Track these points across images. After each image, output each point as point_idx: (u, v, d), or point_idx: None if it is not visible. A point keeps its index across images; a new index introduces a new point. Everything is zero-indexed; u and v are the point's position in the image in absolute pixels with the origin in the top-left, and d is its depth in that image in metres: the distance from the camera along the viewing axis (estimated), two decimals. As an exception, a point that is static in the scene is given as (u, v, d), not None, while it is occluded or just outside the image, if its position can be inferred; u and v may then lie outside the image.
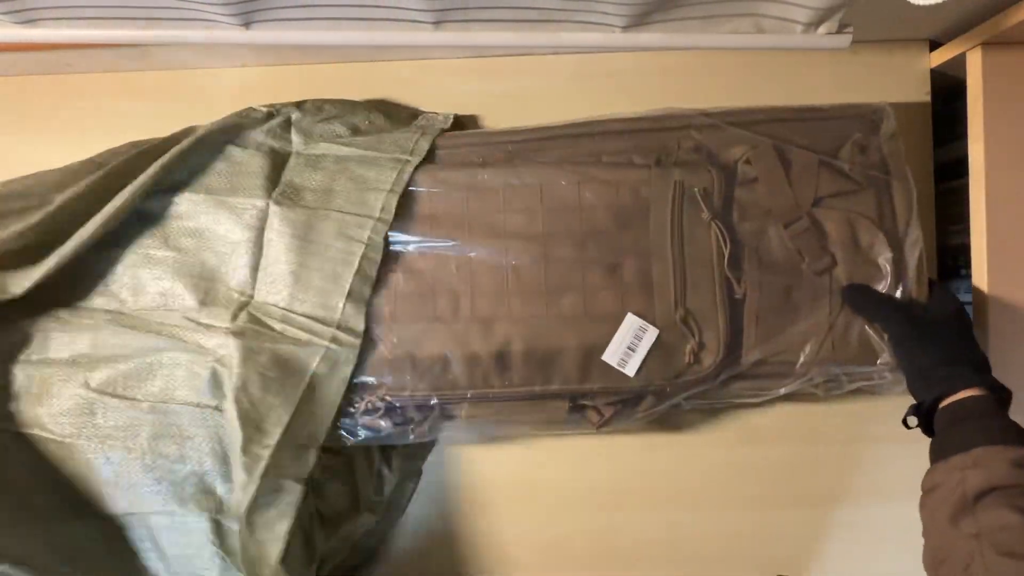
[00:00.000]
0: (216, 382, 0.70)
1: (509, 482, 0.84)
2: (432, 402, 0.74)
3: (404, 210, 0.76)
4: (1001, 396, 0.64)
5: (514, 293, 0.74)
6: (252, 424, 0.68)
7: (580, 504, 0.83)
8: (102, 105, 0.87)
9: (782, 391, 0.75)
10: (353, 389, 0.74)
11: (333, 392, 0.72)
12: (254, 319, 0.73)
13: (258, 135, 0.79)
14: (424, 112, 0.84)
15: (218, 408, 0.70)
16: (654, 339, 0.73)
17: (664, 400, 0.75)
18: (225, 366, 0.70)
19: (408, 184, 0.76)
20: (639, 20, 0.74)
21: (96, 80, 0.88)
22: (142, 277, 0.75)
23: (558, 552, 0.83)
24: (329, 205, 0.75)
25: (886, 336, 0.73)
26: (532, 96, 0.85)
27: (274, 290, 0.74)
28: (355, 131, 0.80)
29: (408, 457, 0.82)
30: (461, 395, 0.74)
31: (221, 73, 0.87)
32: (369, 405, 0.74)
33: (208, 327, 0.72)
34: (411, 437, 0.75)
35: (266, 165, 0.77)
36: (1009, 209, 0.75)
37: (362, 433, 0.74)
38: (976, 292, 0.76)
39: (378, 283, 0.75)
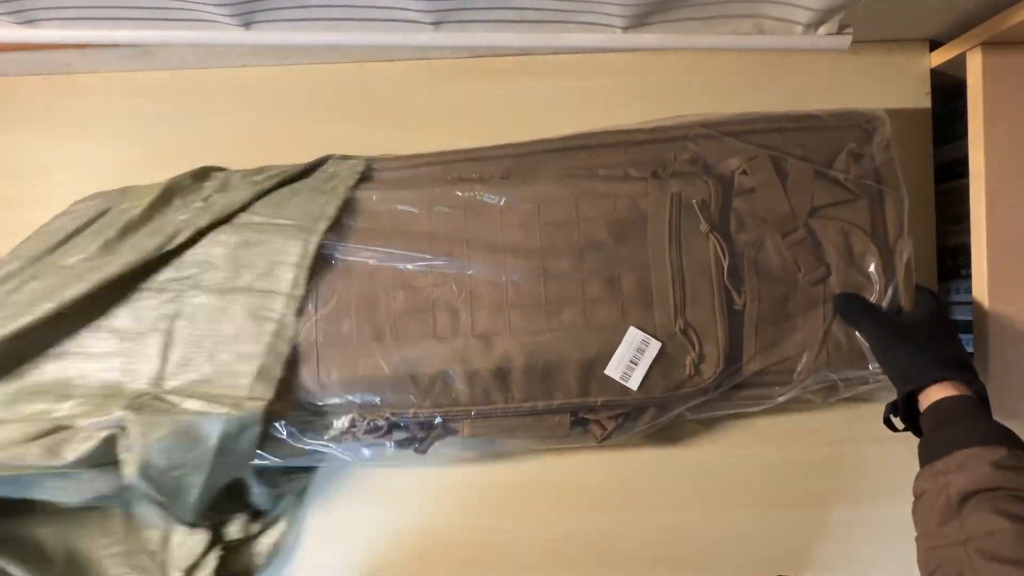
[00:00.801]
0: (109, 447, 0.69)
1: (509, 483, 0.84)
2: (436, 420, 0.74)
3: (402, 228, 0.75)
4: (980, 393, 0.64)
5: (513, 308, 0.74)
6: (166, 494, 0.70)
7: (580, 504, 0.84)
8: (102, 105, 0.87)
9: (780, 399, 0.76)
10: (354, 409, 0.74)
11: (246, 449, 0.70)
12: (155, 397, 0.71)
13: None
14: (333, 157, 0.81)
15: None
16: (656, 352, 0.73)
17: (665, 412, 0.75)
18: (126, 437, 0.68)
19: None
20: (639, 21, 0.74)
21: (96, 80, 0.88)
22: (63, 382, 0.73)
23: (558, 552, 0.83)
24: (236, 283, 0.74)
25: (868, 344, 0.74)
26: (532, 96, 0.85)
27: (181, 373, 0.73)
28: (259, 196, 0.78)
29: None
30: (464, 412, 0.74)
31: (221, 73, 0.87)
32: (371, 424, 0.74)
33: (108, 409, 0.70)
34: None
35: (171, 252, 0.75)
36: (1009, 209, 0.74)
37: (366, 452, 0.75)
38: (976, 292, 0.76)
39: (377, 301, 0.74)
